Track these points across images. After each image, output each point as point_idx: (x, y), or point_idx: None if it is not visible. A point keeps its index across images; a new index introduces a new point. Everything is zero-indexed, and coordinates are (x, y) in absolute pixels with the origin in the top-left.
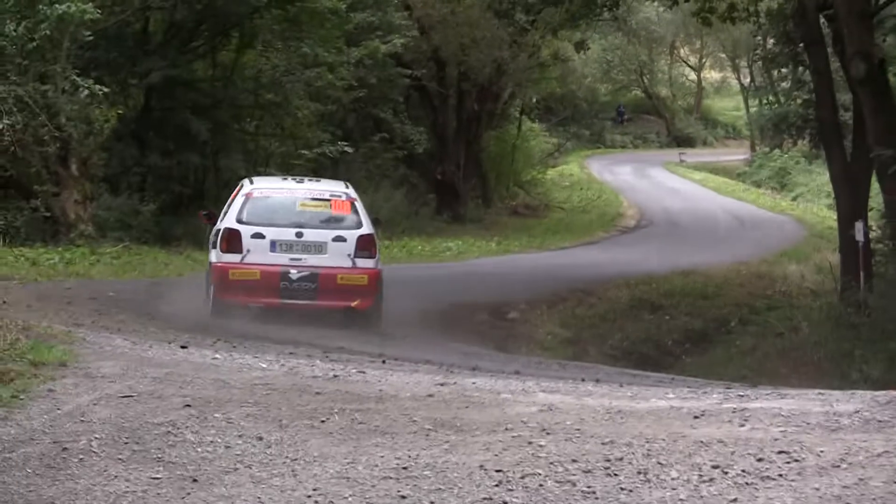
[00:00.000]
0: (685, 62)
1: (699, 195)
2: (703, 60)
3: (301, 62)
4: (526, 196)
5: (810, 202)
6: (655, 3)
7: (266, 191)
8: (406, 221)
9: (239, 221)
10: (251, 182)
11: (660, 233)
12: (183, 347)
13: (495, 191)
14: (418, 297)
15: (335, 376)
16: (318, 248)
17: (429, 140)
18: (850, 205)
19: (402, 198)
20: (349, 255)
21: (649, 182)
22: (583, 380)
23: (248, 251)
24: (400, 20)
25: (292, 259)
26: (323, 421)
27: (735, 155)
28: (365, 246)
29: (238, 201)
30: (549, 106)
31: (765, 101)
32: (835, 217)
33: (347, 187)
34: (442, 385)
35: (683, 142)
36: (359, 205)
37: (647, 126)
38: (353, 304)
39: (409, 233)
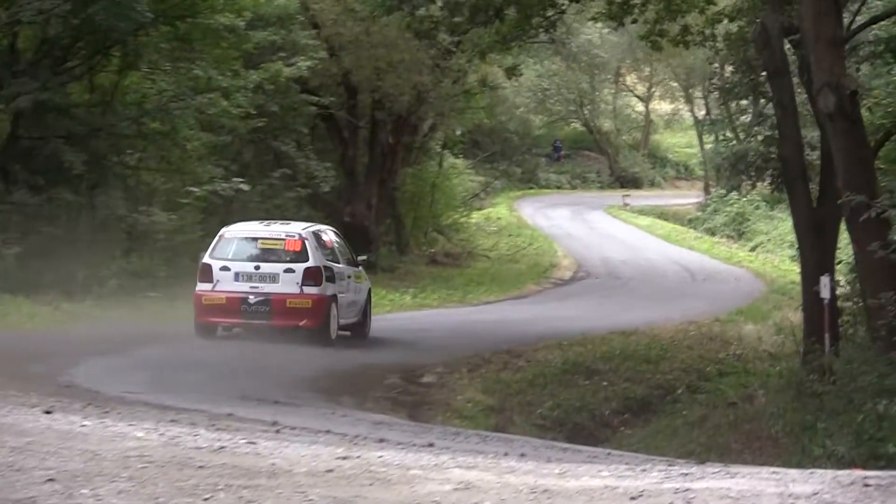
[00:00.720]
0: (632, 91)
1: (645, 244)
2: (653, 90)
3: (192, 86)
4: (446, 242)
5: (771, 253)
6: (599, 25)
7: (235, 232)
8: None
9: (211, 257)
10: (227, 226)
11: (599, 286)
12: (47, 413)
13: (412, 236)
14: (320, 357)
15: (222, 447)
16: (272, 278)
17: (336, 177)
18: (816, 257)
19: None
20: (297, 283)
21: (588, 228)
22: (506, 454)
23: (218, 281)
24: (306, 40)
25: (252, 287)
26: (206, 499)
27: (686, 198)
28: (311, 276)
29: (214, 241)
30: (475, 140)
31: (721, 137)
32: (798, 270)
33: (304, 229)
34: (344, 459)
35: (628, 182)
36: (308, 243)
37: (586, 164)
38: (301, 323)
39: None
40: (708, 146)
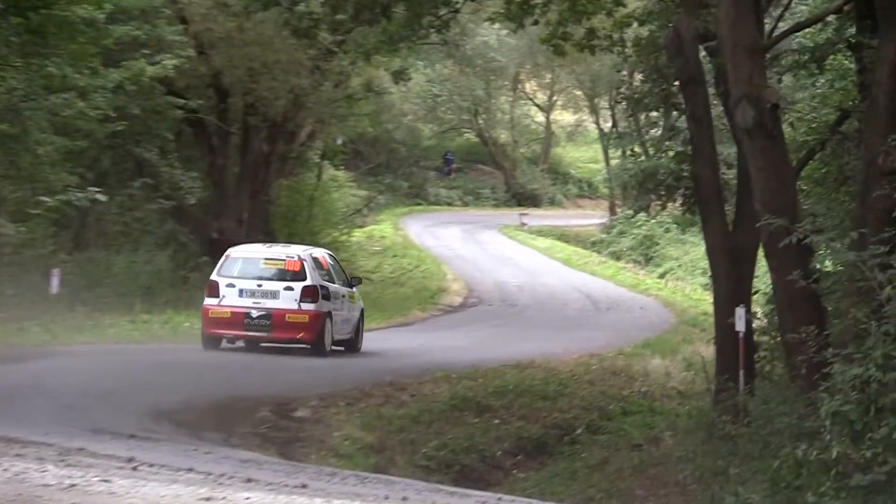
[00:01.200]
0: (531, 100)
1: (544, 268)
2: (554, 99)
3: (45, 85)
4: None
5: (681, 280)
6: (496, 26)
7: (240, 252)
8: (172, 291)
9: (218, 274)
10: (233, 247)
11: (492, 314)
12: None
13: None
14: (185, 387)
15: (72, 486)
16: (273, 294)
17: (204, 188)
18: (730, 286)
19: (168, 260)
20: (296, 300)
21: (481, 250)
22: (386, 497)
23: (224, 296)
24: (173, 36)
25: (254, 302)
26: None
27: (590, 218)
28: (308, 293)
29: (221, 260)
30: (357, 150)
31: (629, 152)
32: (711, 300)
33: (304, 251)
34: (207, 500)
35: (526, 200)
36: (307, 264)
37: (480, 179)
38: (299, 336)
39: (176, 305)
40: (614, 162)
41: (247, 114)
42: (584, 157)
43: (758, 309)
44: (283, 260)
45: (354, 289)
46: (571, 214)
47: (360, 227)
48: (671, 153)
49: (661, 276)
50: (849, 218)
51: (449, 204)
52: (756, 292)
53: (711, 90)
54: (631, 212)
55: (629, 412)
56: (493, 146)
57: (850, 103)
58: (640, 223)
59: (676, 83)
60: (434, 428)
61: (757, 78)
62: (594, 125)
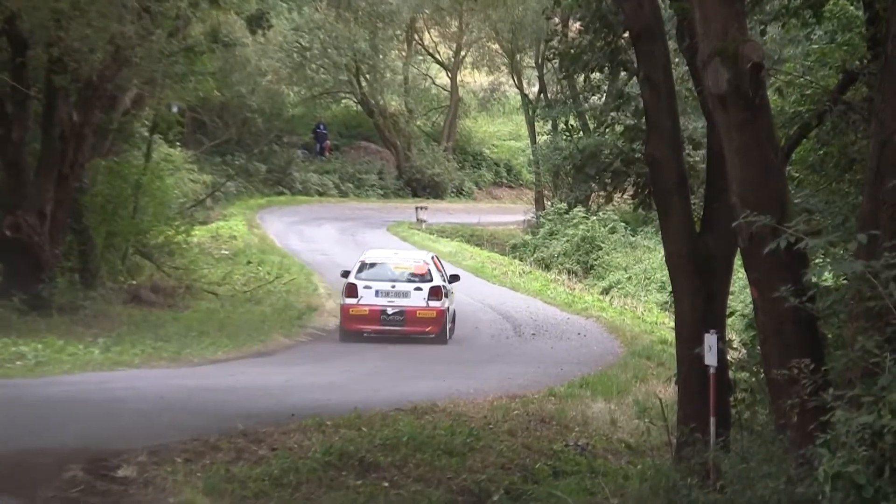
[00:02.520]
0: (432, 56)
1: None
2: (462, 55)
3: None
4: (155, 271)
5: (632, 297)
6: None
7: (373, 259)
8: None
9: (356, 278)
10: (365, 253)
11: (379, 340)
12: None
13: (104, 260)
14: None
15: None
16: (405, 294)
17: None
18: (697, 305)
19: None
20: (424, 299)
21: None
22: None
23: (362, 297)
24: None
25: (388, 301)
26: None
27: (510, 214)
28: (434, 293)
29: (356, 265)
30: (199, 121)
31: (562, 126)
32: (671, 324)
33: (427, 256)
34: None
35: (424, 189)
36: (431, 267)
37: (364, 161)
38: (427, 329)
39: None
40: (542, 139)
41: (51, 71)
42: (502, 133)
43: (734, 336)
44: (412, 264)
45: (451, 285)
46: (485, 209)
47: (203, 223)
48: (619, 128)
49: (605, 291)
50: (855, 216)
51: (322, 193)
52: (732, 314)
53: (672, 44)
54: (564, 205)
55: (562, 473)
56: (381, 117)
57: (857, 63)
58: (576, 221)
59: (626, 35)
60: (302, 492)
61: (733, 29)
62: (515, 90)
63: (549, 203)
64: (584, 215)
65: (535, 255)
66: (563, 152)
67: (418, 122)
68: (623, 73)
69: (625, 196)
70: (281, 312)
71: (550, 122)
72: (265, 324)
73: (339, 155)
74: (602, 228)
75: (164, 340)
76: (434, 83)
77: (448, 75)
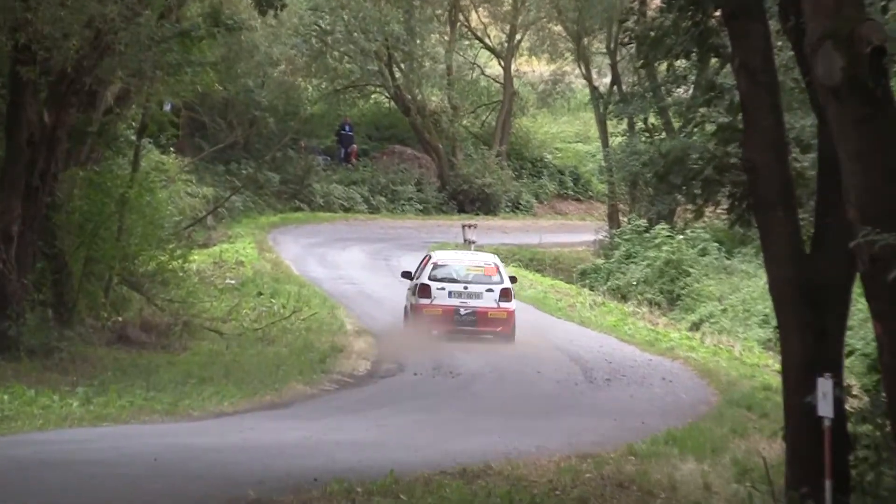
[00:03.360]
0: (480, 41)
1: None
2: (518, 39)
3: None
4: (146, 305)
5: (727, 333)
6: None
7: (443, 260)
8: None
9: (430, 279)
10: (436, 253)
11: (420, 388)
12: None
13: (82, 291)
14: None
15: None
16: (477, 295)
17: None
18: (808, 343)
19: None
20: (496, 300)
21: (401, 284)
22: None
23: (435, 297)
24: None
25: (461, 302)
26: None
27: (577, 232)
28: (505, 294)
29: (428, 266)
30: (199, 121)
31: (640, 126)
32: (776, 366)
33: (493, 259)
34: None
35: (473, 202)
36: (501, 269)
37: (399, 169)
38: (499, 329)
39: None
40: (616, 141)
41: (17, 62)
42: (568, 134)
43: (853, 381)
44: (483, 266)
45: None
46: (547, 227)
47: (204, 246)
48: (709, 127)
49: (695, 326)
50: None
51: (347, 209)
52: (850, 353)
53: (774, 25)
54: (644, 222)
55: None
56: (419, 115)
57: None
58: (658, 241)
59: (717, 13)
60: None
61: (848, 5)
62: (582, 81)
63: (626, 219)
64: (668, 234)
65: (609, 283)
66: (642, 157)
67: (464, 122)
68: (714, 61)
69: (718, 210)
70: (299, 354)
71: (626, 120)
72: (280, 368)
73: (369, 162)
74: (690, 250)
75: (156, 389)
76: (483, 73)
77: (500, 64)
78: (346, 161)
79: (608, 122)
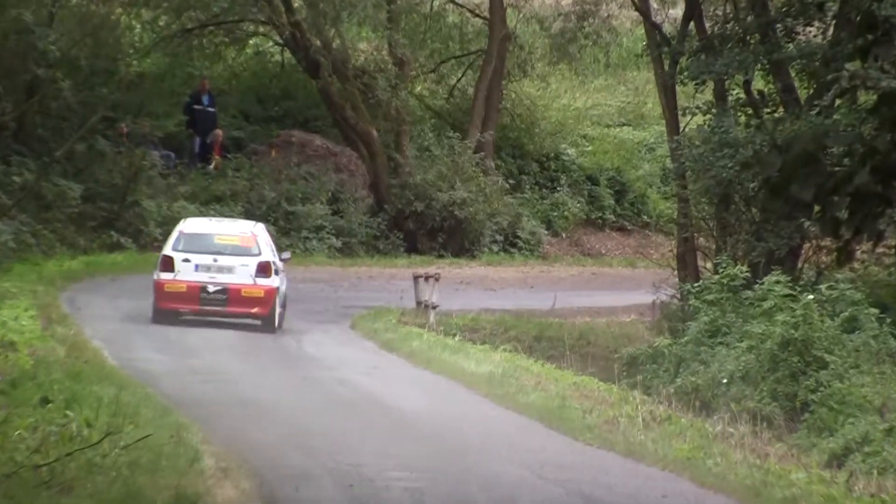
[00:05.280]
0: None
1: (488, 439)
2: None
3: None
4: None
5: None
6: None
7: (193, 228)
8: None
9: (174, 250)
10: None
11: None
12: None
13: None
14: None
15: None
16: (229, 269)
17: None
18: None
19: None
20: (251, 276)
21: (305, 381)
22: None
23: (179, 271)
24: None
25: (210, 277)
26: None
27: (620, 290)
28: (263, 269)
29: (173, 236)
30: None
31: (737, 96)
32: None
33: (257, 226)
34: None
35: (434, 233)
36: (261, 238)
37: (302, 174)
38: (253, 310)
39: None
40: (695, 123)
41: None
42: (605, 111)
43: None
44: (237, 235)
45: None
46: (568, 278)
47: None
48: (865, 98)
49: (837, 459)
50: None
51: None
52: None
53: None
54: (743, 270)
55: None
56: (336, 77)
57: None
58: (769, 303)
59: None
60: None
61: None
62: (633, 14)
63: (709, 265)
64: (787, 291)
65: (679, 381)
66: (742, 152)
67: (418, 88)
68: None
69: (880, 249)
70: None
71: (712, 84)
72: None
73: (245, 162)
74: (828, 321)
75: None
76: (453, 1)
77: None
78: (202, 160)
79: (679, 90)
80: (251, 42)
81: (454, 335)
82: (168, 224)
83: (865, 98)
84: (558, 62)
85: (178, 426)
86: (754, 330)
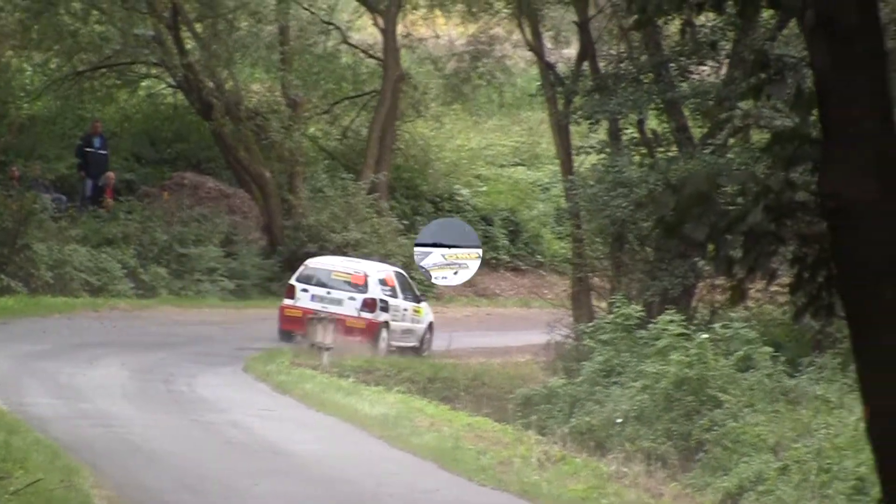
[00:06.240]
0: None
1: (371, 475)
2: None
3: None
4: None
5: None
6: None
7: (315, 265)
8: None
9: (297, 280)
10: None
11: None
12: None
13: None
14: None
15: None
16: (339, 302)
17: None
18: None
19: None
20: (356, 308)
21: (200, 427)
22: None
23: (298, 299)
24: None
25: (322, 306)
26: None
27: (515, 330)
28: (368, 304)
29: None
30: None
31: (631, 135)
32: None
33: (375, 266)
34: None
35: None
36: (370, 279)
37: (195, 216)
38: (357, 339)
39: None
40: (588, 162)
41: None
42: (499, 152)
43: None
44: (350, 273)
45: (422, 304)
46: (463, 318)
47: None
48: (758, 137)
49: (731, 497)
50: None
51: (98, 290)
52: None
53: None
54: (637, 309)
55: None
56: (229, 118)
57: None
58: (664, 342)
59: None
60: None
61: None
62: (527, 55)
63: (604, 305)
64: (681, 330)
65: (574, 422)
66: (635, 191)
67: (311, 129)
68: (768, 13)
69: (774, 288)
70: None
71: (606, 124)
72: None
73: (137, 204)
74: (722, 360)
75: None
76: (347, 42)
77: (377, 24)
78: (94, 202)
79: (573, 129)
80: (143, 84)
81: (348, 377)
82: (59, 267)
83: (758, 137)
84: (452, 102)
85: (69, 470)
86: (648, 369)
